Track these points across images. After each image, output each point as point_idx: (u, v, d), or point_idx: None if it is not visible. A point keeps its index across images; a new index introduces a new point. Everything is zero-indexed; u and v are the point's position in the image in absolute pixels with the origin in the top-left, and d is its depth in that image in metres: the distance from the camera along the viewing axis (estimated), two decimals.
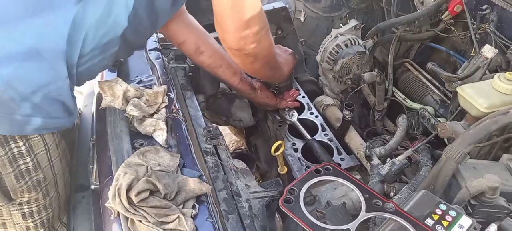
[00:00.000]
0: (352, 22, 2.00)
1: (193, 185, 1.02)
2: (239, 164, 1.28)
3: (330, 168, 1.03)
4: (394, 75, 1.92)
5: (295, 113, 1.71)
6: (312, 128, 1.69)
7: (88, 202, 1.35)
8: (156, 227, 0.93)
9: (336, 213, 0.97)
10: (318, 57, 2.03)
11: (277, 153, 1.32)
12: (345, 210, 0.99)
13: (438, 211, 0.91)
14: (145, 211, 0.95)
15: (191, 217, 0.98)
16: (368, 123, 2.01)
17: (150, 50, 1.57)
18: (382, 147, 1.56)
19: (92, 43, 1.12)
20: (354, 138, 1.63)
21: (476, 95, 1.22)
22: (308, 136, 1.59)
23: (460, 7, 1.68)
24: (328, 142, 1.60)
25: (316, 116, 1.72)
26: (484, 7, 1.59)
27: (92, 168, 1.29)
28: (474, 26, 1.58)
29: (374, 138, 1.72)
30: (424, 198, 0.96)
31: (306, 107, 1.77)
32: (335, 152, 1.56)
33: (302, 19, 2.11)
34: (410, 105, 1.79)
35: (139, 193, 0.95)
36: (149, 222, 0.94)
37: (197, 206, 1.01)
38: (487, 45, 1.30)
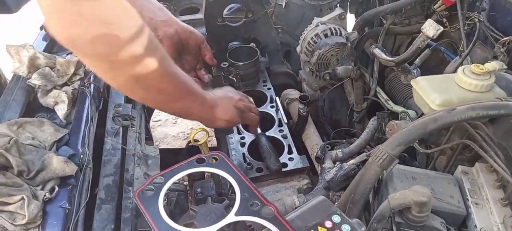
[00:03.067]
0: (337, 10, 1.76)
1: (56, 164, 0.87)
2: (151, 151, 1.12)
3: (218, 158, 0.84)
4: (381, 74, 1.69)
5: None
6: (271, 122, 1.49)
7: None
8: None
9: (211, 214, 0.78)
10: (298, 48, 1.82)
11: (199, 142, 1.14)
12: (223, 211, 0.79)
13: (328, 224, 0.70)
14: None
15: (43, 200, 0.83)
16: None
17: None
18: (340, 149, 1.34)
19: None
20: (311, 137, 1.41)
21: (431, 89, 0.98)
22: (258, 130, 1.39)
23: None
24: (281, 139, 1.39)
25: (277, 110, 1.52)
26: None
27: None
28: (463, 17, 1.33)
29: (344, 140, 1.51)
30: (319, 205, 0.75)
31: (268, 99, 1.57)
32: (286, 150, 1.35)
33: (283, 4, 1.89)
34: (392, 108, 1.55)
35: None
36: None
37: (56, 188, 0.86)
38: (429, 21, 1.05)
